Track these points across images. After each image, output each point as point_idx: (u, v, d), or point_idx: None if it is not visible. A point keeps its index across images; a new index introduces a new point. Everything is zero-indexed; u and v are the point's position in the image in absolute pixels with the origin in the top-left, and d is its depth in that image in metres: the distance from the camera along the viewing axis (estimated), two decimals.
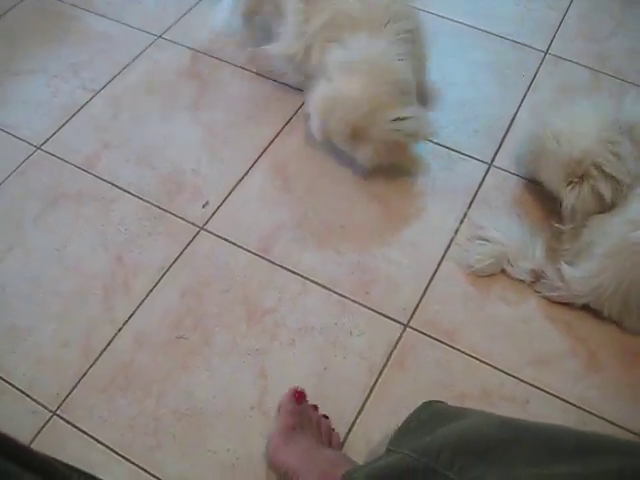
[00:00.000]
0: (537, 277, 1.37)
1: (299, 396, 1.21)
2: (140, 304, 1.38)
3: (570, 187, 1.37)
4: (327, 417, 1.22)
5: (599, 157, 1.34)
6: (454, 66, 1.81)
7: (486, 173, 1.56)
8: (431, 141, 1.62)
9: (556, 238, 1.41)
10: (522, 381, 1.26)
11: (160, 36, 1.91)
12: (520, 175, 1.56)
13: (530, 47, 1.86)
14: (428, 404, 1.10)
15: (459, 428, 0.88)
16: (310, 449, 1.12)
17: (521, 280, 1.38)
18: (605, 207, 1.35)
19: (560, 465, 0.72)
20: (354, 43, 1.45)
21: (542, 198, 1.49)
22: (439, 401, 1.12)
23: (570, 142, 1.37)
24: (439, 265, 1.42)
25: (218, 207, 1.52)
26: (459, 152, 1.60)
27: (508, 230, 1.42)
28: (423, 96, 1.66)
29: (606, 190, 1.33)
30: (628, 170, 1.33)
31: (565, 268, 1.33)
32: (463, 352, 1.30)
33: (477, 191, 1.53)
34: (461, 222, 1.48)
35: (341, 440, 1.20)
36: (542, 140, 1.42)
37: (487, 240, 1.41)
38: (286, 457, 1.13)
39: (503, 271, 1.40)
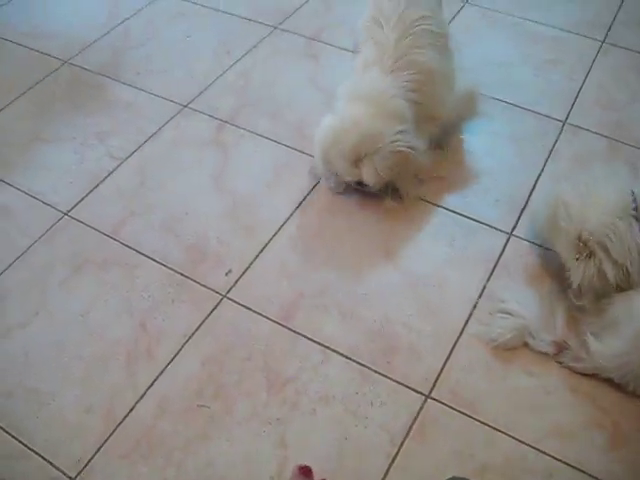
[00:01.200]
0: (560, 349, 1.36)
1: (306, 472, 1.20)
2: (162, 371, 1.39)
3: (577, 263, 1.39)
4: None
5: (604, 238, 1.35)
6: (474, 136, 1.84)
7: (506, 242, 1.58)
8: (453, 211, 1.64)
9: (578, 309, 1.41)
10: (545, 453, 1.25)
11: (186, 106, 1.96)
12: (539, 244, 1.57)
13: (549, 117, 1.89)
14: None
15: None
16: None
17: (543, 352, 1.38)
18: (610, 289, 1.36)
19: None
20: (363, 77, 1.60)
21: (562, 267, 1.49)
22: (463, 478, 1.11)
23: (580, 218, 1.39)
24: (461, 334, 1.42)
25: (241, 275, 1.54)
26: (480, 222, 1.62)
27: (529, 302, 1.43)
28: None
29: (611, 272, 1.35)
30: (632, 257, 1.34)
31: (592, 341, 1.32)
32: (485, 423, 1.29)
33: (498, 260, 1.54)
34: (481, 293, 1.49)
35: None
36: (555, 212, 1.44)
37: (509, 313, 1.41)
38: None
39: (525, 344, 1.39)
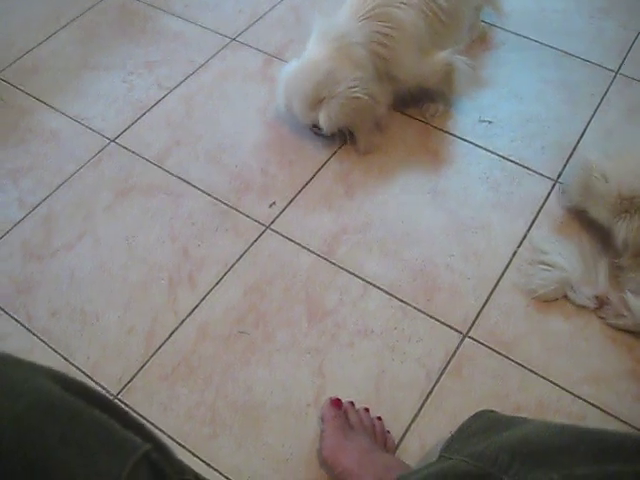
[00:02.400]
0: (601, 304, 1.36)
1: (337, 402, 1.22)
2: (204, 297, 1.41)
3: (621, 221, 1.38)
4: (380, 419, 1.23)
5: None
6: (522, 81, 1.81)
7: (551, 190, 1.56)
8: (497, 154, 1.63)
9: (618, 266, 1.40)
10: (579, 397, 1.26)
11: (234, 39, 1.95)
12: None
13: (600, 66, 1.85)
14: (482, 413, 1.10)
15: (518, 434, 0.87)
16: (364, 451, 1.13)
17: (584, 306, 1.37)
18: None
19: (626, 464, 0.71)
20: (334, 19, 1.58)
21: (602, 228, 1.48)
22: (492, 410, 1.12)
23: (616, 177, 1.38)
24: (501, 277, 1.42)
25: (285, 208, 1.55)
26: (525, 167, 1.61)
27: (570, 254, 1.41)
28: None
29: None
30: None
31: (630, 298, 1.32)
32: (521, 365, 1.30)
33: (541, 207, 1.53)
34: (522, 241, 1.48)
35: (395, 443, 1.21)
36: (589, 179, 1.43)
37: (550, 265, 1.40)
38: (341, 458, 1.13)
39: (566, 296, 1.39)
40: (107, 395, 0.59)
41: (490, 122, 1.70)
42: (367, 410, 1.24)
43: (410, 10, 1.53)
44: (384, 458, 1.12)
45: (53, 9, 2.09)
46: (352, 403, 1.24)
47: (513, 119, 1.72)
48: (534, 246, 1.46)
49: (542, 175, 1.59)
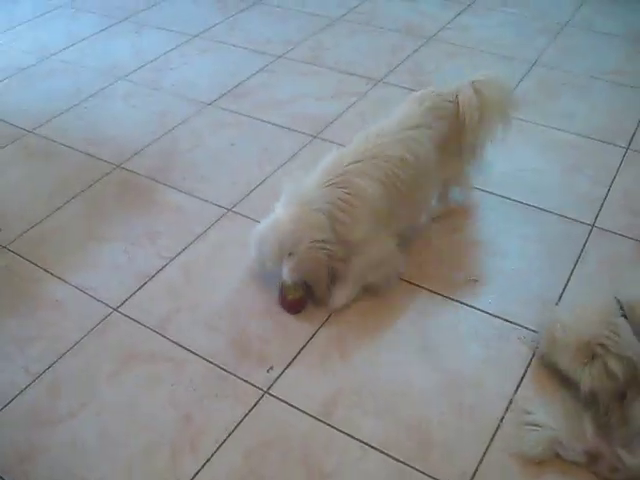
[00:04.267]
0: (593, 458, 1.39)
1: None
2: (205, 463, 1.44)
3: (583, 368, 1.46)
4: None
5: (602, 338, 1.44)
6: (505, 239, 1.94)
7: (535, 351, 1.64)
8: (485, 311, 1.72)
9: (605, 423, 1.44)
10: None
11: (230, 209, 2.08)
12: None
13: (577, 221, 1.99)
14: None
15: None
16: None
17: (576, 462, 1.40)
18: (620, 385, 1.42)
19: None
20: (302, 184, 1.73)
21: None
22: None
23: (576, 329, 1.49)
24: (496, 432, 1.47)
25: (282, 372, 1.61)
26: (512, 322, 1.70)
27: (555, 412, 1.46)
28: None
29: (617, 367, 1.42)
30: (633, 348, 1.42)
31: (624, 455, 1.35)
32: None
33: (530, 360, 1.61)
34: (515, 392, 1.54)
35: None
36: (552, 332, 1.53)
37: (537, 425, 1.44)
38: None
39: (557, 454, 1.41)
40: None
41: (476, 280, 1.81)
42: None
43: (370, 180, 1.69)
44: None
45: (60, 183, 2.24)
46: None
47: (498, 276, 1.83)
48: (519, 408, 1.50)
49: (529, 329, 1.68)
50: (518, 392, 1.55)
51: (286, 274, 1.66)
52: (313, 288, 1.75)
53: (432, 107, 1.83)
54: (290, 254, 1.66)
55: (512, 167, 2.22)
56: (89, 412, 1.56)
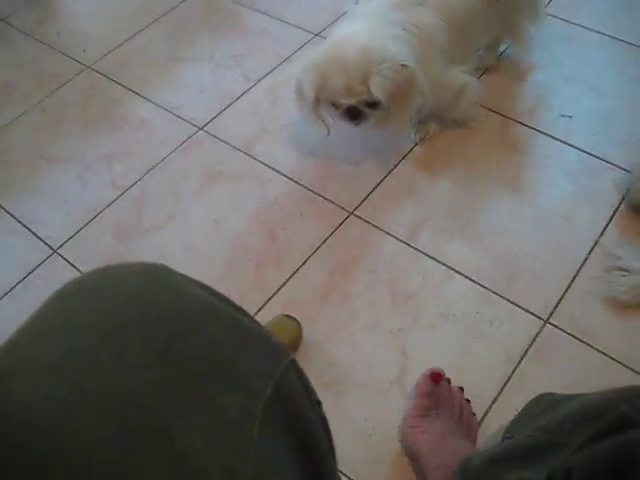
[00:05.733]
0: None
1: (436, 376, 1.22)
2: (290, 277, 1.46)
3: None
4: (469, 401, 1.24)
5: None
6: (602, 78, 1.82)
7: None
8: (578, 147, 1.65)
9: None
10: None
11: (318, 34, 2.01)
12: None
13: None
14: (541, 396, 1.09)
15: (580, 401, 0.85)
16: (442, 436, 1.14)
17: None
18: None
19: None
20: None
21: None
22: (552, 393, 1.09)
23: None
24: (583, 264, 1.43)
25: (367, 196, 1.59)
26: (605, 160, 1.62)
27: None
28: None
29: None
30: None
31: None
32: (603, 352, 1.31)
33: (622, 199, 1.54)
34: (605, 229, 1.49)
35: (478, 426, 1.23)
36: None
37: (626, 270, 1.39)
38: (417, 440, 1.15)
39: None
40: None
41: (571, 117, 1.72)
42: (461, 390, 1.25)
43: (432, 12, 1.49)
44: (459, 446, 1.13)
45: (144, 3, 2.19)
46: (449, 380, 1.25)
47: (593, 114, 1.74)
48: (606, 252, 1.45)
49: (622, 168, 1.60)
50: (605, 233, 1.49)
51: (378, 88, 1.39)
52: (392, 113, 1.49)
53: None
54: (372, 69, 1.38)
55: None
56: (176, 225, 1.58)
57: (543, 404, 1.05)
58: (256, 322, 0.64)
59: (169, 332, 0.54)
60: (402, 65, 1.40)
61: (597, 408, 0.80)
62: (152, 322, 0.54)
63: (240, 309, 0.63)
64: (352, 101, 1.44)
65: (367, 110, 1.46)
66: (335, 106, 1.48)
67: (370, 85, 1.39)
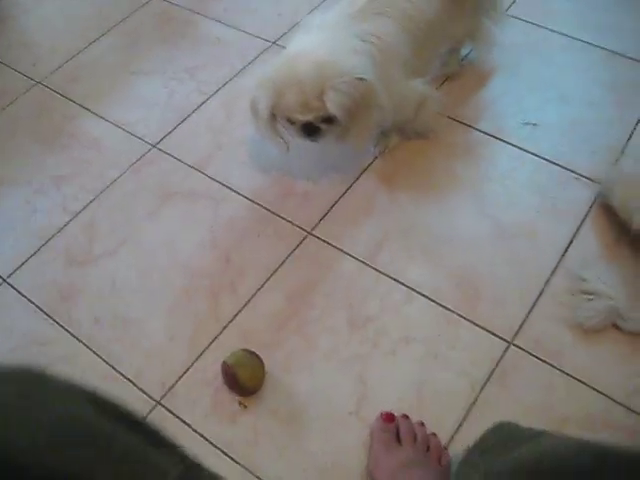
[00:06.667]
0: None
1: (388, 417, 1.21)
2: (246, 304, 1.40)
3: None
4: (435, 435, 1.20)
5: None
6: (571, 83, 1.77)
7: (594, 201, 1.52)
8: (544, 158, 1.60)
9: None
10: (632, 411, 1.22)
11: (274, 42, 1.95)
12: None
13: None
14: (501, 425, 1.06)
15: (536, 451, 0.83)
16: (402, 466, 1.11)
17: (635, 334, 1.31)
18: None
19: None
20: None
21: None
22: (511, 422, 1.07)
23: None
24: (546, 284, 1.39)
25: (325, 214, 1.54)
26: (572, 171, 1.57)
27: (612, 279, 1.35)
28: None
29: None
30: None
31: None
32: (568, 374, 1.26)
33: (587, 212, 1.49)
34: (569, 245, 1.44)
35: (450, 458, 1.18)
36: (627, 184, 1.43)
37: (593, 294, 1.33)
38: (378, 473, 1.14)
39: (615, 326, 1.32)
40: (139, 414, 0.59)
41: (535, 124, 1.67)
42: (422, 424, 1.21)
43: (392, 22, 1.43)
44: (422, 474, 1.10)
45: (95, 15, 2.12)
46: (406, 416, 1.22)
47: (562, 122, 1.69)
48: (572, 274, 1.39)
49: (589, 179, 1.55)
50: (570, 251, 1.43)
51: (334, 104, 1.32)
52: (350, 129, 1.44)
53: None
54: (328, 84, 1.31)
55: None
56: (128, 251, 1.52)
57: (501, 436, 1.02)
58: (139, 436, 0.59)
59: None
60: (359, 79, 1.34)
61: (549, 468, 0.77)
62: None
63: (127, 417, 0.59)
64: (308, 117, 1.38)
65: (324, 126, 1.40)
66: (291, 122, 1.42)
67: (326, 101, 1.33)
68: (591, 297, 1.33)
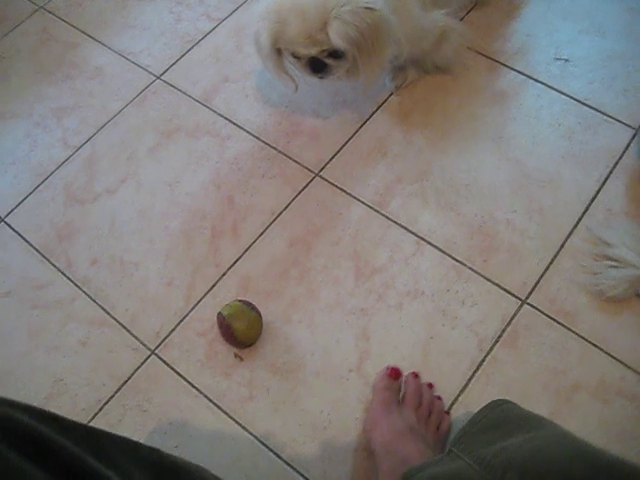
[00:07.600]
0: None
1: (393, 372, 1.15)
2: (247, 249, 1.34)
3: None
4: (440, 398, 1.15)
5: None
6: (607, 13, 1.62)
7: (631, 140, 1.40)
8: (573, 97, 1.47)
9: None
10: None
11: None
12: None
13: None
14: (495, 404, 1.01)
15: (529, 448, 0.79)
16: (400, 436, 1.06)
17: None
18: None
19: None
20: None
21: None
22: (509, 401, 1.02)
23: None
24: (567, 239, 1.29)
25: (335, 154, 1.44)
26: (603, 113, 1.45)
27: (636, 244, 1.23)
28: None
29: None
30: None
31: None
32: (583, 337, 1.19)
33: (618, 160, 1.38)
34: (595, 196, 1.34)
35: (451, 424, 1.13)
36: None
37: (617, 261, 1.22)
38: (374, 438, 1.09)
39: (638, 295, 1.22)
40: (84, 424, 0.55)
41: (567, 60, 1.54)
42: (430, 386, 1.16)
43: None
44: (415, 447, 1.04)
45: None
46: (416, 375, 1.16)
47: (594, 57, 1.55)
48: (596, 236, 1.28)
49: (622, 123, 1.43)
50: (595, 204, 1.33)
51: (337, 36, 1.20)
52: (363, 68, 1.31)
53: None
54: (333, 14, 1.19)
55: None
56: (128, 189, 1.45)
57: (495, 416, 0.97)
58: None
59: None
60: (367, 8, 1.21)
61: (544, 464, 0.72)
62: None
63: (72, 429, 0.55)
64: (312, 52, 1.27)
65: (331, 62, 1.29)
66: (297, 57, 1.31)
67: (329, 32, 1.22)
68: (615, 264, 1.23)
